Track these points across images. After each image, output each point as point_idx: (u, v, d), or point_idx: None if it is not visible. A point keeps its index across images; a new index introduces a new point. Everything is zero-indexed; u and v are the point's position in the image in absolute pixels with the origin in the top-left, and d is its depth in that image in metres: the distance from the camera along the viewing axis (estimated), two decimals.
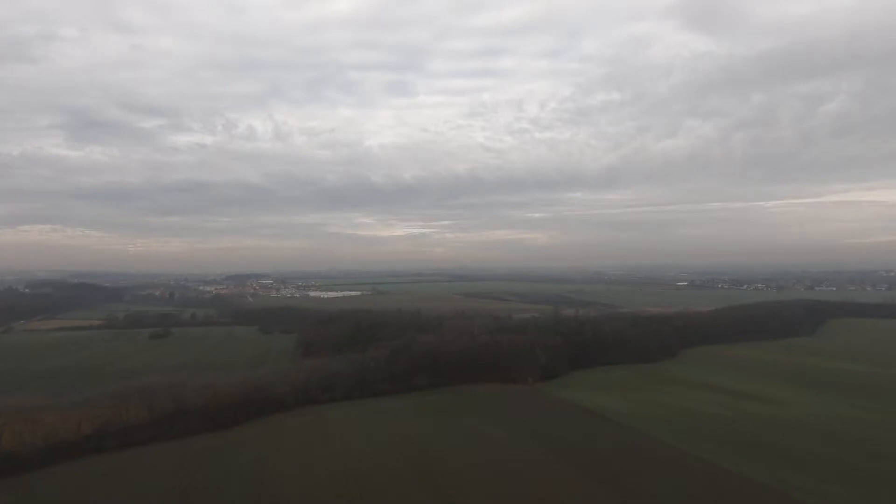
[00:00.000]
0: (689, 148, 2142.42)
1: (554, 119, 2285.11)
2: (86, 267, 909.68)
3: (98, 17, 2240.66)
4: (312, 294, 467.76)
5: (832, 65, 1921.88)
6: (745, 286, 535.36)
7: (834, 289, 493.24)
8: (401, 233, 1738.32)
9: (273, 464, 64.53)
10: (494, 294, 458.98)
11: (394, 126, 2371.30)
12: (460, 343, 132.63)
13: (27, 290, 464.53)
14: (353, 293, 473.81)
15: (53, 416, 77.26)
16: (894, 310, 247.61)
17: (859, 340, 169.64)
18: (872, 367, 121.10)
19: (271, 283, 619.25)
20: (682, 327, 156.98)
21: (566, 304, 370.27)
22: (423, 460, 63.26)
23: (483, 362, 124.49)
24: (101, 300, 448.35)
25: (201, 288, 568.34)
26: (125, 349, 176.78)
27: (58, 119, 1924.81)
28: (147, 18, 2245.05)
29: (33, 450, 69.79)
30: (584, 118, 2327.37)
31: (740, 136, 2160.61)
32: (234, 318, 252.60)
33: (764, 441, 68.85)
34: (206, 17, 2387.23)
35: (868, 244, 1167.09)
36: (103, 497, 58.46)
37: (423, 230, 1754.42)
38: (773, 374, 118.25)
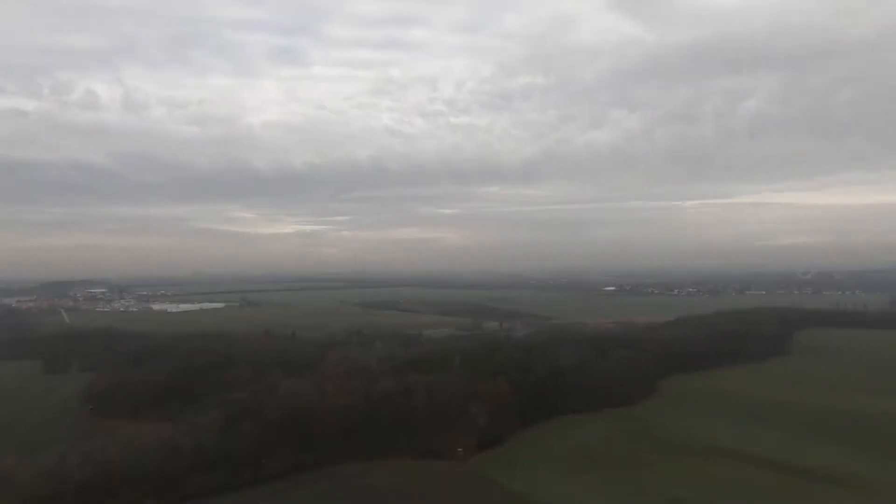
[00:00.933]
0: (614, 141, 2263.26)
1: (471, 102, 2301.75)
2: None
3: None
4: (157, 307, 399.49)
5: (754, 61, 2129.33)
6: (676, 291, 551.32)
7: (763, 293, 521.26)
8: (288, 230, 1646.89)
9: None
10: (400, 304, 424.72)
11: (282, 101, 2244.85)
12: (349, 392, 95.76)
13: None
14: (215, 305, 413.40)
15: None
16: (854, 318, 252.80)
17: (850, 361, 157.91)
18: None
19: (104, 293, 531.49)
20: (655, 352, 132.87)
21: (487, 315, 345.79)
22: None
23: (385, 424, 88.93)
24: None
25: None
26: None
27: None
28: None
29: None
30: (506, 103, 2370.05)
31: (664, 131, 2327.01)
32: (11, 347, 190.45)
33: None
34: None
35: (776, 246, 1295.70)
36: None
37: (316, 227, 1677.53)
38: (800, 423, 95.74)
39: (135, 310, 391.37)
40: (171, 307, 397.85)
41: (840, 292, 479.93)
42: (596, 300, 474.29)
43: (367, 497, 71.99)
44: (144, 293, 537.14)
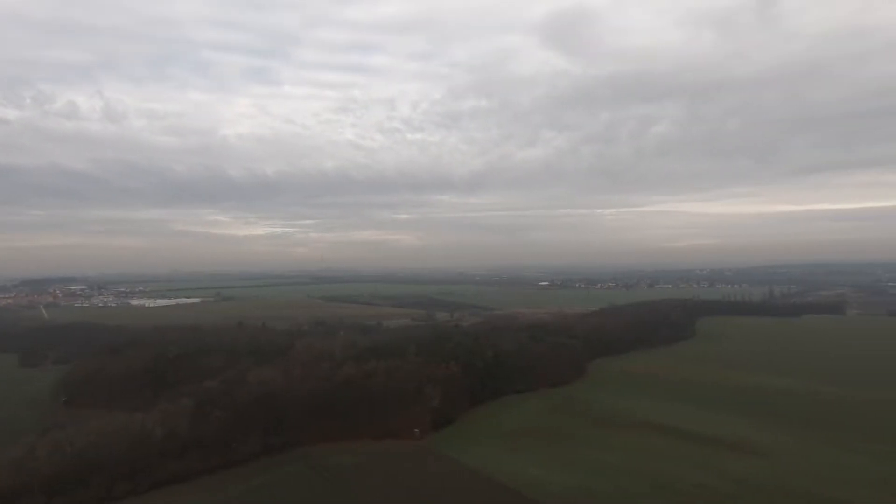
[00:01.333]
0: (546, 157, 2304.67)
1: (425, 121, 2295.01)
2: None
3: None
4: (135, 303, 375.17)
5: (661, 92, 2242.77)
6: (599, 285, 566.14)
7: (669, 286, 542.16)
8: (260, 232, 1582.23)
9: None
10: (361, 298, 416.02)
11: (255, 115, 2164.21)
12: (314, 378, 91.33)
13: None
14: (192, 300, 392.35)
15: None
16: (742, 307, 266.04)
17: (741, 343, 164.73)
18: (802, 382, 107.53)
19: (83, 290, 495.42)
20: (584, 338, 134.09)
21: (438, 306, 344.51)
22: None
23: (348, 407, 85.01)
24: None
25: None
26: None
27: None
28: None
29: None
30: (455, 122, 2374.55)
31: (588, 149, 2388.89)
32: None
33: None
34: None
35: (678, 248, 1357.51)
36: None
37: (286, 229, 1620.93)
38: (706, 398, 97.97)
39: (113, 305, 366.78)
40: (149, 302, 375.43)
41: (729, 286, 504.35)
42: (532, 293, 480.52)
43: (332, 476, 68.01)
44: (123, 289, 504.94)
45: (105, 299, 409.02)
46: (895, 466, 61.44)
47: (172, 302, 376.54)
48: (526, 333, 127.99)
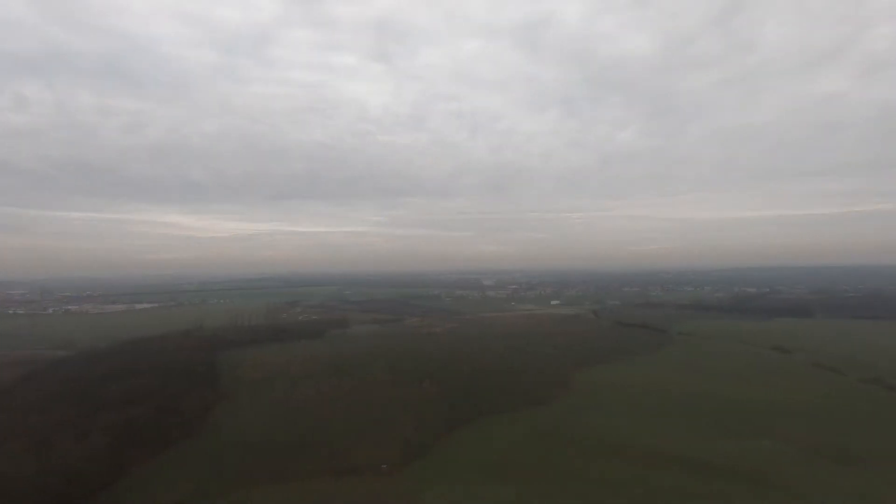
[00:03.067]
0: (517, 161, 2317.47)
1: (396, 123, 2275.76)
2: None
3: None
4: (76, 308, 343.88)
5: (628, 99, 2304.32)
6: (570, 288, 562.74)
7: (637, 289, 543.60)
8: (225, 233, 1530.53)
9: None
10: (328, 301, 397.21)
11: (219, 114, 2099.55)
12: (263, 402, 76.50)
13: None
14: (144, 305, 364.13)
15: None
16: (715, 310, 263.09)
17: (727, 348, 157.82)
18: (803, 394, 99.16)
19: (24, 295, 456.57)
20: (565, 346, 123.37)
21: (409, 310, 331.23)
22: None
23: (302, 438, 70.83)
24: None
25: None
26: None
27: None
28: None
29: None
30: (426, 125, 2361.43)
31: (558, 153, 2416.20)
32: None
33: None
34: None
35: (643, 251, 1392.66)
36: None
37: (253, 231, 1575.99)
38: (708, 414, 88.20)
39: (51, 311, 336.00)
40: (94, 308, 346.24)
41: (693, 288, 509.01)
42: (503, 296, 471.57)
43: None
44: (70, 294, 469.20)
45: (48, 306, 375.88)
46: None
47: (122, 308, 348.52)
48: (503, 342, 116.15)
